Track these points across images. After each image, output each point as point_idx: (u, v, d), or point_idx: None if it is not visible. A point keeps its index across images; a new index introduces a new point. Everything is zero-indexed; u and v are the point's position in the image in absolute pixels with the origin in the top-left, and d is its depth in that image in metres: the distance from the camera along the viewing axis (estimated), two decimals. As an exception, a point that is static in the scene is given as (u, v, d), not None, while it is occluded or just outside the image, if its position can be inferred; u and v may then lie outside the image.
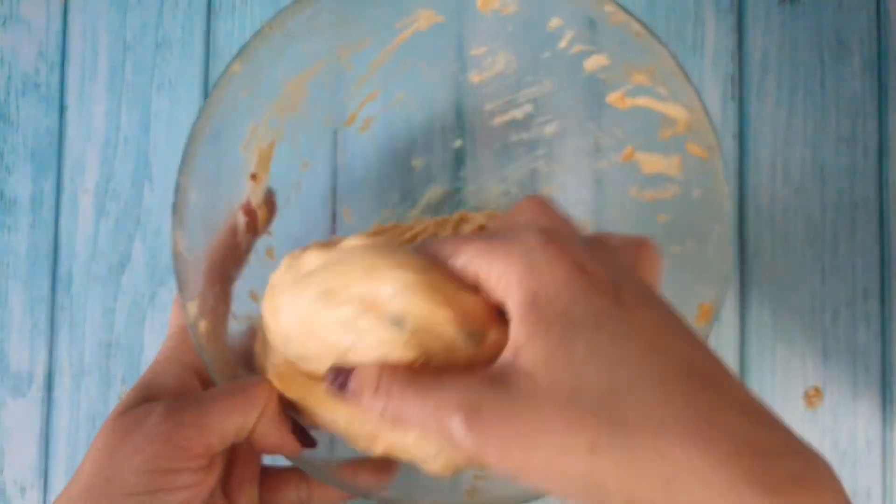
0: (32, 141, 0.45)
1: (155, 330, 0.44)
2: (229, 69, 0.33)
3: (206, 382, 0.33)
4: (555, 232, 0.26)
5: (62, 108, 0.46)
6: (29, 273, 0.45)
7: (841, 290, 0.42)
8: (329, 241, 0.31)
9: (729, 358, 0.42)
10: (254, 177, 0.36)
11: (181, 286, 0.32)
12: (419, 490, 0.34)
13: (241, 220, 0.36)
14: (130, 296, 0.44)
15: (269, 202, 0.37)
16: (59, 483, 0.44)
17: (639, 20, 0.33)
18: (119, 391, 0.44)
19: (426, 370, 0.27)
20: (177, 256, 0.32)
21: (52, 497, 0.44)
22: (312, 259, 0.29)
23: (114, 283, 0.44)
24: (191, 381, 0.33)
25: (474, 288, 0.27)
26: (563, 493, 0.24)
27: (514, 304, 0.25)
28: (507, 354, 0.25)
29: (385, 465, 0.35)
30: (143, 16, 0.45)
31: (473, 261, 0.27)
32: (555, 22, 0.36)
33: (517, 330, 0.25)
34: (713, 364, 0.24)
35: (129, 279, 0.44)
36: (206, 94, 0.45)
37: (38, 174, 0.45)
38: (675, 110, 0.35)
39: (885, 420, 0.41)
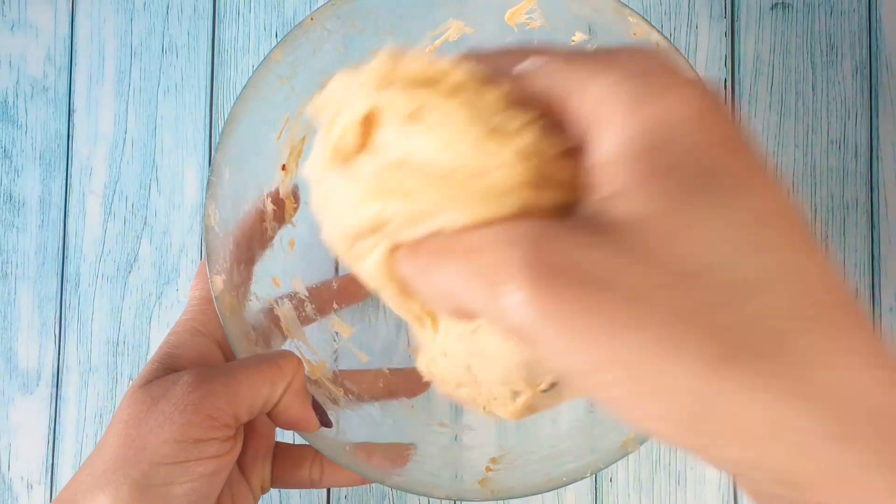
0: (41, 143, 0.46)
1: (162, 329, 0.45)
2: (270, 56, 0.34)
3: (227, 354, 0.33)
4: (672, 64, 0.19)
5: (70, 112, 0.46)
6: (37, 273, 0.46)
7: (832, 289, 0.42)
8: None
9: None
10: (284, 167, 0.37)
11: (209, 258, 0.33)
12: (431, 479, 0.35)
13: (269, 206, 0.36)
14: (137, 295, 0.45)
15: (295, 195, 0.38)
16: (65, 480, 0.45)
17: (659, 31, 0.34)
18: (126, 389, 0.45)
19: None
20: (208, 229, 0.33)
21: (58, 494, 0.44)
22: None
23: (121, 283, 0.45)
24: (213, 352, 0.33)
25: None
26: (651, 424, 0.17)
27: (615, 142, 0.18)
28: (593, 203, 0.18)
29: (400, 450, 0.35)
30: (150, 21, 0.46)
31: (559, 81, 0.19)
32: (578, 36, 0.37)
33: (618, 174, 0.18)
34: (846, 287, 0.17)
35: (136, 279, 0.45)
36: (211, 98, 0.46)
37: (47, 176, 0.46)
38: None
39: (875, 416, 0.42)
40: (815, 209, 0.43)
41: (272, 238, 0.37)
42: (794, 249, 0.17)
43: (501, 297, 0.16)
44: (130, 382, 0.45)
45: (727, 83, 0.44)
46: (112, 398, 0.45)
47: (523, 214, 0.19)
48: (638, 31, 0.34)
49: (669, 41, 0.34)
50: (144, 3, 0.46)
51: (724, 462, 0.17)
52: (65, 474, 0.45)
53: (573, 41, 0.37)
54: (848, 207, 0.43)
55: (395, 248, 0.21)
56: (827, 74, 0.43)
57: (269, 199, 0.36)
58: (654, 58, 0.19)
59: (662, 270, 0.16)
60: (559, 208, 0.19)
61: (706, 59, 0.44)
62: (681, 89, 0.18)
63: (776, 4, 0.44)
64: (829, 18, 0.44)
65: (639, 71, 0.19)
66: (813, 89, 0.43)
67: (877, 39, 0.43)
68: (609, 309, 0.16)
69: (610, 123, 0.18)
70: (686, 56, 0.44)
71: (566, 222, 0.18)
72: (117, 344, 0.45)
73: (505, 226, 0.18)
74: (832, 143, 0.43)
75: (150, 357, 0.44)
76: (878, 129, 0.43)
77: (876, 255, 0.43)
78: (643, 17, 0.34)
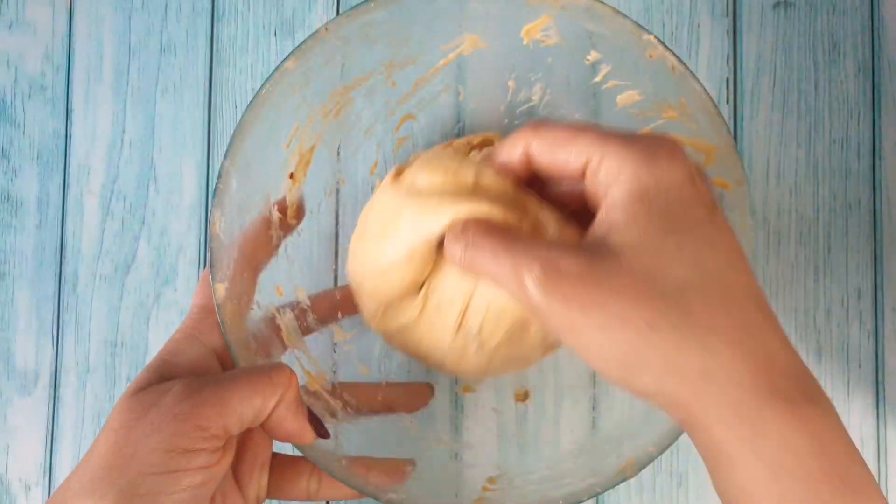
0: (38, 143, 0.46)
1: (159, 329, 0.45)
2: (283, 65, 0.34)
3: (225, 363, 0.33)
4: (676, 143, 0.28)
5: (68, 111, 0.46)
6: (35, 273, 0.45)
7: (834, 290, 0.42)
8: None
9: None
10: (292, 176, 0.37)
11: (213, 266, 0.33)
12: (428, 496, 0.34)
13: (276, 215, 0.36)
14: (135, 296, 0.45)
15: (300, 206, 0.38)
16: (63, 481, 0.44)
17: (675, 54, 0.34)
18: (124, 390, 0.44)
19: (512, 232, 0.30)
20: (213, 236, 0.33)
21: (57, 494, 0.44)
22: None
23: (119, 283, 0.45)
24: (210, 361, 0.33)
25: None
26: (597, 362, 0.27)
27: (621, 191, 0.27)
28: (597, 231, 0.28)
29: (398, 466, 0.35)
30: (148, 20, 0.46)
31: (588, 149, 0.28)
32: (593, 55, 0.37)
33: (618, 213, 0.27)
34: (761, 297, 0.27)
35: (134, 279, 0.45)
36: (209, 98, 0.45)
37: (45, 176, 0.46)
38: (703, 145, 0.35)
39: (878, 418, 0.42)
40: (818, 209, 0.43)
41: (277, 247, 0.37)
42: (723, 268, 0.27)
43: (525, 281, 0.27)
44: (128, 384, 0.44)
45: (729, 82, 0.43)
46: (110, 399, 0.44)
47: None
48: (654, 54, 0.34)
49: (685, 65, 0.34)
50: (143, 2, 0.46)
51: (636, 389, 0.27)
52: (63, 476, 0.44)
53: (588, 60, 0.37)
54: (850, 207, 0.43)
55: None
56: (829, 73, 0.43)
57: (276, 208, 0.36)
58: (666, 141, 0.28)
59: (644, 286, 0.26)
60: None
61: (708, 58, 0.44)
62: (677, 161, 0.28)
63: (778, 3, 0.44)
64: (831, 17, 0.43)
65: (651, 150, 0.28)
66: (815, 88, 0.43)
67: (879, 38, 0.43)
68: (598, 303, 0.26)
69: (621, 181, 0.27)
70: (689, 57, 0.43)
71: (574, 246, 0.28)
72: (115, 345, 0.45)
73: (533, 243, 0.28)
74: (834, 142, 0.43)
75: (147, 359, 0.44)
76: (880, 128, 0.43)
77: (879, 254, 0.42)
78: (660, 40, 0.34)
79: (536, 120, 0.30)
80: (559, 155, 0.29)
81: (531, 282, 0.27)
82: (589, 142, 0.28)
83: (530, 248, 0.28)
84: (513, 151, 0.31)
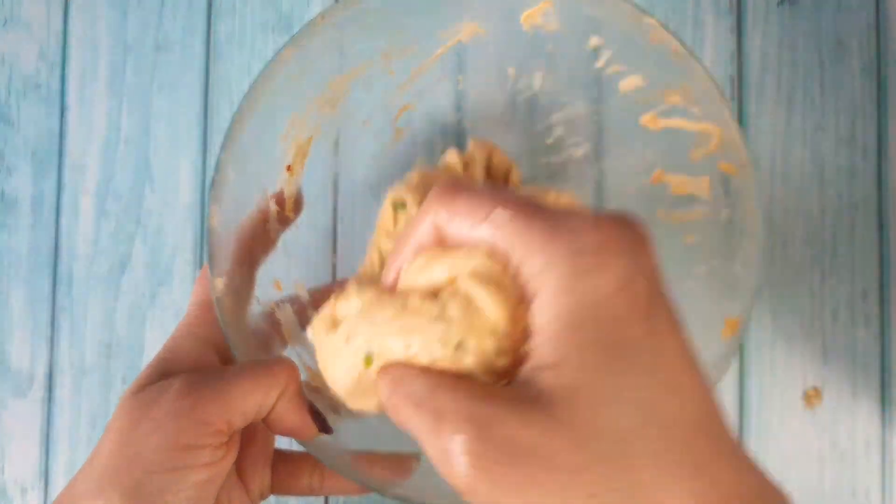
0: (33, 142, 0.46)
1: (155, 330, 0.44)
2: (280, 55, 0.33)
3: (225, 359, 0.33)
4: (608, 226, 0.23)
5: (63, 109, 0.46)
6: (30, 273, 0.45)
7: (840, 291, 0.42)
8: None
9: (728, 358, 0.42)
10: (289, 168, 0.37)
11: (212, 260, 0.32)
12: (433, 491, 0.34)
13: (273, 208, 0.36)
14: (131, 296, 0.44)
15: (297, 199, 0.37)
16: (59, 483, 0.44)
17: (676, 37, 0.33)
18: (120, 391, 0.44)
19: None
20: (211, 230, 0.33)
21: (52, 498, 0.44)
22: (353, 303, 0.27)
23: (114, 284, 0.45)
24: (209, 357, 0.32)
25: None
26: None
27: (547, 312, 0.22)
28: (528, 371, 0.23)
29: (402, 461, 0.35)
30: (144, 17, 0.46)
31: (507, 237, 0.23)
32: (594, 41, 0.36)
33: (547, 345, 0.22)
34: (714, 410, 0.23)
35: (129, 280, 0.44)
36: (206, 95, 0.45)
37: (39, 175, 0.45)
38: (707, 129, 0.35)
39: (884, 420, 0.42)
40: (823, 209, 0.42)
41: (275, 241, 0.37)
42: (663, 399, 0.22)
43: (451, 450, 0.22)
44: (124, 385, 0.44)
45: (734, 80, 0.43)
46: (106, 401, 0.44)
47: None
48: (655, 38, 0.33)
49: (688, 48, 0.33)
50: (138, -1, 0.46)
51: None
52: (59, 478, 0.44)
53: (589, 46, 0.37)
54: (856, 207, 0.42)
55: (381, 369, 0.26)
56: (835, 72, 0.43)
57: (273, 201, 0.36)
58: (597, 232, 0.23)
59: (583, 450, 0.21)
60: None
61: (712, 56, 0.43)
62: (609, 267, 0.22)
63: (783, 0, 0.43)
64: (836, 15, 0.43)
65: (579, 247, 0.22)
66: (820, 87, 0.43)
67: (885, 36, 0.43)
68: (535, 481, 0.21)
69: (546, 297, 0.22)
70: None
71: (505, 393, 0.22)
72: (110, 346, 0.44)
73: (455, 391, 0.23)
74: (840, 141, 0.43)
75: (143, 360, 0.44)
76: (886, 127, 0.43)
77: (885, 255, 0.42)
78: (661, 23, 0.33)
79: (444, 184, 0.24)
80: (474, 234, 0.24)
81: (458, 457, 0.22)
82: (505, 223, 0.23)
83: (454, 396, 0.22)
84: (422, 232, 0.25)
